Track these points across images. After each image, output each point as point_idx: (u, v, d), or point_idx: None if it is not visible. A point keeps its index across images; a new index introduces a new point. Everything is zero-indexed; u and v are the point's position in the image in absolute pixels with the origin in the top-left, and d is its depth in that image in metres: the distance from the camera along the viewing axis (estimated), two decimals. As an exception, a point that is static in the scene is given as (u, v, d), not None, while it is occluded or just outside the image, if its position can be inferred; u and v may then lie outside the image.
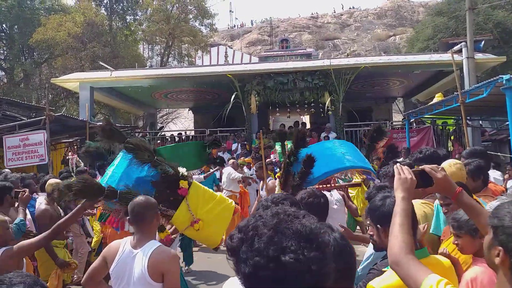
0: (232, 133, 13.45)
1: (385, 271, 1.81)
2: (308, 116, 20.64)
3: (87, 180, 3.08)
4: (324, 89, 12.31)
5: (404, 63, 12.55)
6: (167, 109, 24.71)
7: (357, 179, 4.96)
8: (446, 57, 11.32)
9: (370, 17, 51.21)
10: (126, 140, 3.28)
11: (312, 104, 12.31)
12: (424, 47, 26.93)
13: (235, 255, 0.92)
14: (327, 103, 12.05)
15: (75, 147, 11.75)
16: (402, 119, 13.15)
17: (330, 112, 12.07)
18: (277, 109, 14.20)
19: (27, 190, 4.36)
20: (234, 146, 12.50)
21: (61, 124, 10.70)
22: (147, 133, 14.82)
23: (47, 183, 5.07)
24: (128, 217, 2.56)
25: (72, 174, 7.51)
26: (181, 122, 27.43)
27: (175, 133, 16.84)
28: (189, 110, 21.05)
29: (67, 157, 8.08)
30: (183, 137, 14.95)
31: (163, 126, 21.55)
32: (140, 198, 2.53)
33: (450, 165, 3.00)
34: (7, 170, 7.10)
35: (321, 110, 12.38)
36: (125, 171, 3.51)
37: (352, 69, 12.23)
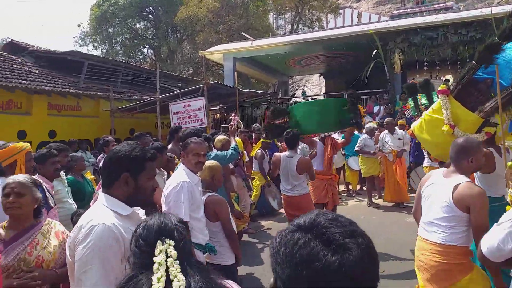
0: (372, 95, 12.89)
1: None
2: (450, 76, 18.67)
3: None
4: (481, 42, 10.90)
5: None
6: (294, 78, 24.92)
7: None
8: None
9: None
10: None
11: (468, 60, 11.04)
12: None
13: None
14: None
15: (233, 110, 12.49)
16: None
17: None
18: (417, 67, 13.03)
19: (232, 124, 5.85)
20: (376, 109, 12.05)
21: (214, 92, 11.66)
22: (286, 99, 15.23)
23: (216, 140, 5.63)
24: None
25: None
26: (310, 88, 27.50)
27: (309, 98, 16.98)
28: (320, 75, 20.92)
29: (230, 117, 8.85)
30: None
31: (295, 93, 21.90)
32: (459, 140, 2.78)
33: None
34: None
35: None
36: None
37: (519, 15, 10.52)
